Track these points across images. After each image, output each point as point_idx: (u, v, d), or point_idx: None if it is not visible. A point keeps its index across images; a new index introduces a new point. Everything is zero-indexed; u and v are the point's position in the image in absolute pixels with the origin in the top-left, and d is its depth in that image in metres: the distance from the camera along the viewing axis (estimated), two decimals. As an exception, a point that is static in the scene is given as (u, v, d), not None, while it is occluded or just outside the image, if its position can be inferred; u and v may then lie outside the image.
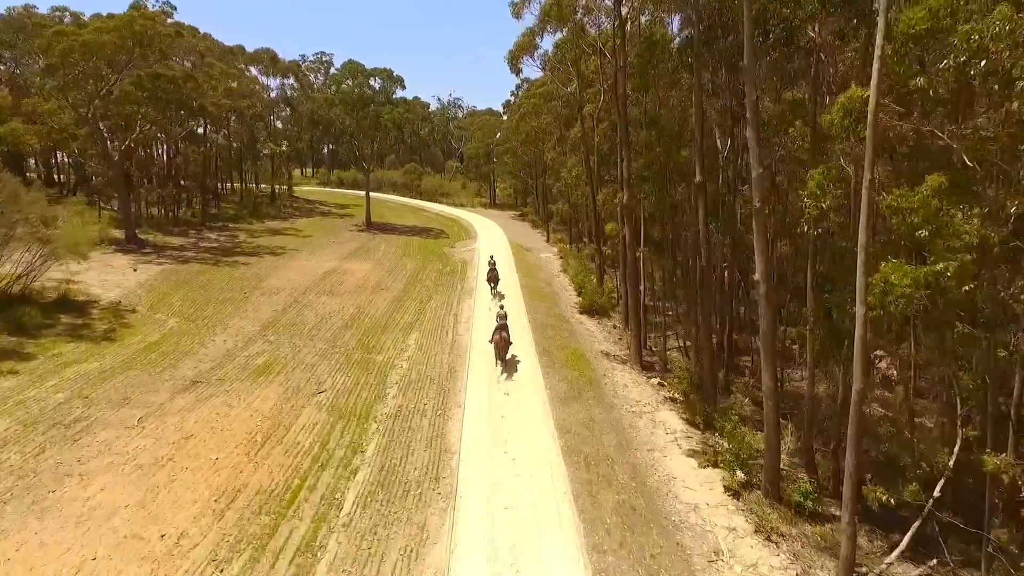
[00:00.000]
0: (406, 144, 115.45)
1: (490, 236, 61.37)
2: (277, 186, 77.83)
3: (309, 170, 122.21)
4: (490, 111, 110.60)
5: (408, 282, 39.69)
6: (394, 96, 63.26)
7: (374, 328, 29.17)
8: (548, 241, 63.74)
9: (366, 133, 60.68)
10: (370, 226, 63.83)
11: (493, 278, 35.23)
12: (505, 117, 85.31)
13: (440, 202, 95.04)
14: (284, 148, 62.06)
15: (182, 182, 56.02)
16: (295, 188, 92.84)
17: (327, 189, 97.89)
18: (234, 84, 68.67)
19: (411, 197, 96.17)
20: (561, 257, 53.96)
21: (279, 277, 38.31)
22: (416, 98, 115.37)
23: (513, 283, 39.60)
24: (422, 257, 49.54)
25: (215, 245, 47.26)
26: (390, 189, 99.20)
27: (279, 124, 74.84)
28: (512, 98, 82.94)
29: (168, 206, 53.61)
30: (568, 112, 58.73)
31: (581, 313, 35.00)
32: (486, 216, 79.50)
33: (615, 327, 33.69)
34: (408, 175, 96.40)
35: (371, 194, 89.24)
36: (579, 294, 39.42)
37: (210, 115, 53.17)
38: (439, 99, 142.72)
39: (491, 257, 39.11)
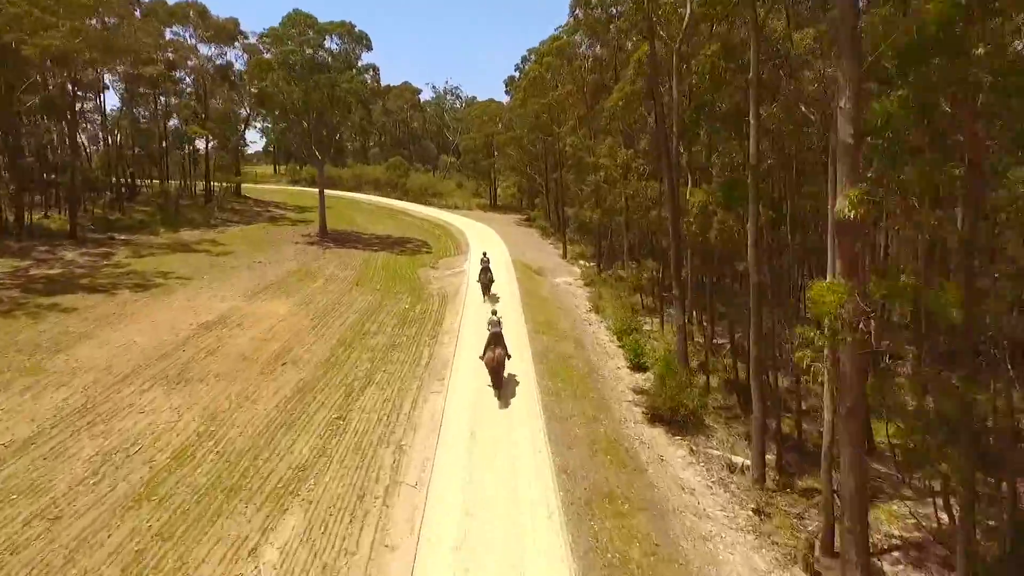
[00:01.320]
0: (391, 134, 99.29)
1: (487, 250, 45.12)
2: (218, 184, 61.65)
3: (282, 167, 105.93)
4: (491, 101, 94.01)
5: (341, 344, 23.44)
6: (359, 62, 47.07)
7: (200, 500, 12.87)
8: (565, 258, 47.46)
9: (316, 109, 44.43)
10: (324, 236, 47.64)
11: (486, 282, 30.01)
12: (508, 99, 68.95)
13: (430, 204, 78.68)
14: (202, 131, 46.06)
15: (55, 176, 39.73)
16: (253, 187, 76.88)
17: (295, 188, 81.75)
18: (171, 54, 52.78)
19: (396, 198, 79.93)
20: (587, 285, 37.72)
21: (105, 339, 22.07)
22: (406, 83, 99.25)
23: (519, 335, 23.71)
24: (383, 288, 33.31)
25: (55, 272, 31.13)
26: (371, 188, 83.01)
27: (219, 104, 58.57)
28: (517, 73, 66.71)
29: (19, 208, 37.38)
30: (597, 79, 42.68)
31: (651, 421, 18.54)
32: (484, 221, 63.34)
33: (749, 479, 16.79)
34: (391, 171, 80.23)
35: (343, 195, 73.75)
36: (634, 366, 23.22)
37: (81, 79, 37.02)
38: (434, 87, 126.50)
39: (483, 255, 32.26)
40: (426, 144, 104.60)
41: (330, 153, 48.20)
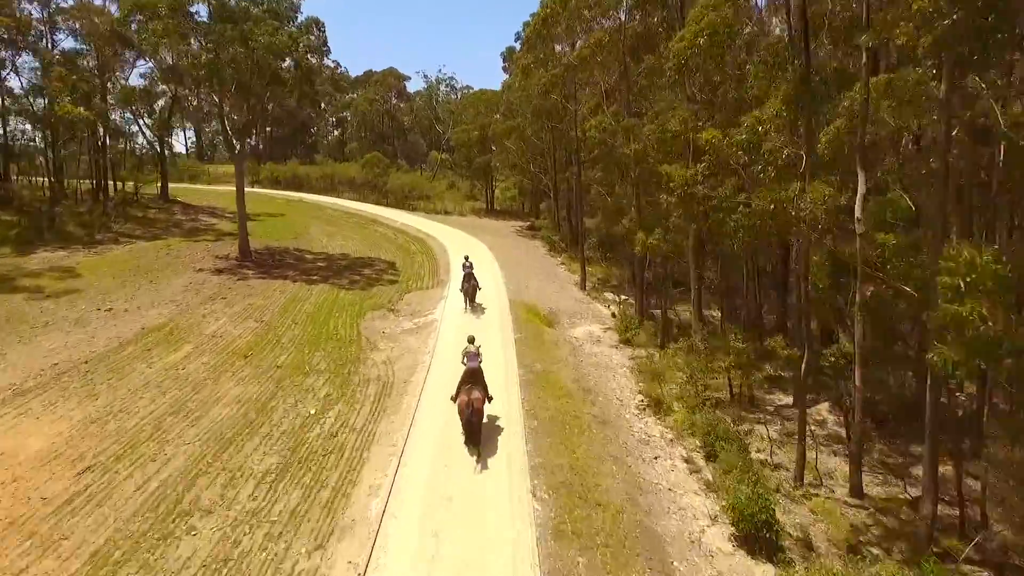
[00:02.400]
0: (373, 127, 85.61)
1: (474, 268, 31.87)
2: (131, 184, 48.00)
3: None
4: (486, 90, 79.71)
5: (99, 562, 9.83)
6: (296, 17, 33.35)
7: None
8: (584, 288, 33.85)
9: (233, 78, 30.67)
10: (247, 258, 34.10)
11: (469, 290, 25.09)
12: (506, 78, 54.97)
13: (415, 209, 65.21)
14: (76, 111, 32.67)
15: None
16: (195, 188, 63.43)
17: (252, 190, 68.02)
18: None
19: (374, 201, 66.37)
20: (626, 341, 24.23)
21: None
22: (391, 69, 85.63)
23: (522, 527, 10.15)
24: (290, 362, 19.86)
25: None
26: (348, 189, 69.36)
27: (142, 82, 45.18)
28: (517, 44, 53.12)
29: None
30: (640, 29, 28.89)
31: None
32: (477, 232, 49.80)
33: None
34: (368, 169, 66.58)
35: (308, 198, 60.71)
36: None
37: None
38: (425, 76, 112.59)
39: (465, 260, 27.10)
40: (414, 139, 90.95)
41: (252, 141, 34.43)
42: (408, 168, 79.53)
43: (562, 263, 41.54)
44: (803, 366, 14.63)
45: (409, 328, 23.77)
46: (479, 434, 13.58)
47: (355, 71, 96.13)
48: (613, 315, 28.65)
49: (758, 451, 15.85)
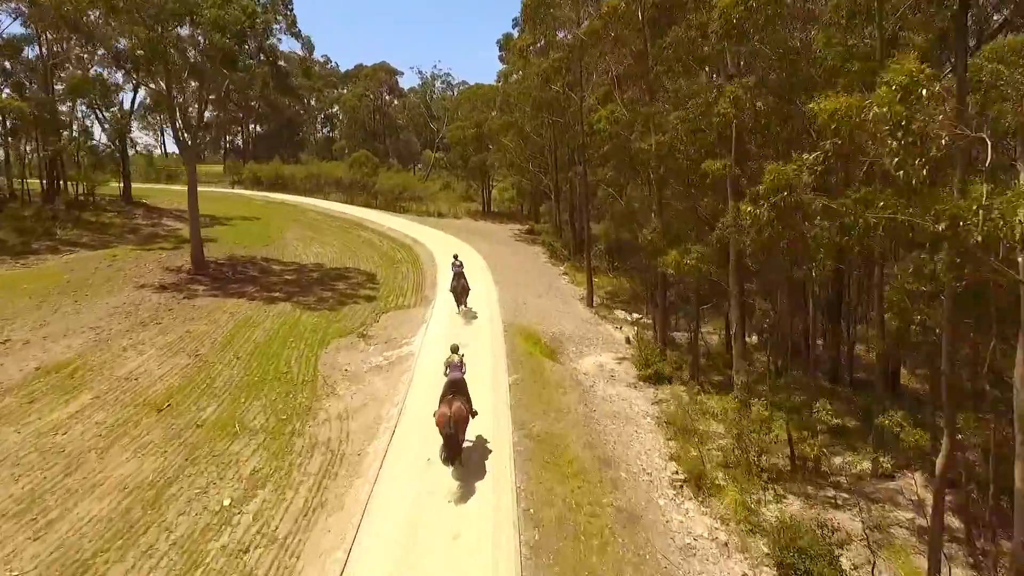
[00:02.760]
0: (362, 124, 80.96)
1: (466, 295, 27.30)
2: (85, 184, 43.31)
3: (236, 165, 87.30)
4: (482, 85, 74.85)
5: None
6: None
7: None
8: (591, 306, 29.30)
9: (163, 58, 25.92)
10: (201, 271, 29.49)
11: (460, 291, 23.49)
12: (503, 68, 50.17)
13: (406, 211, 60.71)
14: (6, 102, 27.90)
15: None
16: (167, 188, 58.95)
17: (231, 191, 63.36)
18: None
19: (362, 204, 61.79)
20: (648, 378, 19.66)
21: None
22: (382, 63, 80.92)
23: None
24: (217, 417, 15.22)
25: None
26: (335, 190, 64.67)
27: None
28: (515, 31, 48.49)
29: None
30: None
31: None
32: (471, 237, 45.21)
33: None
34: (355, 169, 61.90)
35: (290, 200, 56.47)
36: None
37: None
38: (420, 71, 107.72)
39: (455, 260, 25.25)
40: (407, 137, 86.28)
41: (204, 138, 29.76)
42: (400, 168, 74.98)
43: (564, 273, 36.96)
44: (941, 460, 10.04)
45: (379, 364, 19.16)
46: (460, 449, 12.34)
47: (348, 67, 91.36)
48: (628, 341, 24.08)
49: (853, 568, 11.20)
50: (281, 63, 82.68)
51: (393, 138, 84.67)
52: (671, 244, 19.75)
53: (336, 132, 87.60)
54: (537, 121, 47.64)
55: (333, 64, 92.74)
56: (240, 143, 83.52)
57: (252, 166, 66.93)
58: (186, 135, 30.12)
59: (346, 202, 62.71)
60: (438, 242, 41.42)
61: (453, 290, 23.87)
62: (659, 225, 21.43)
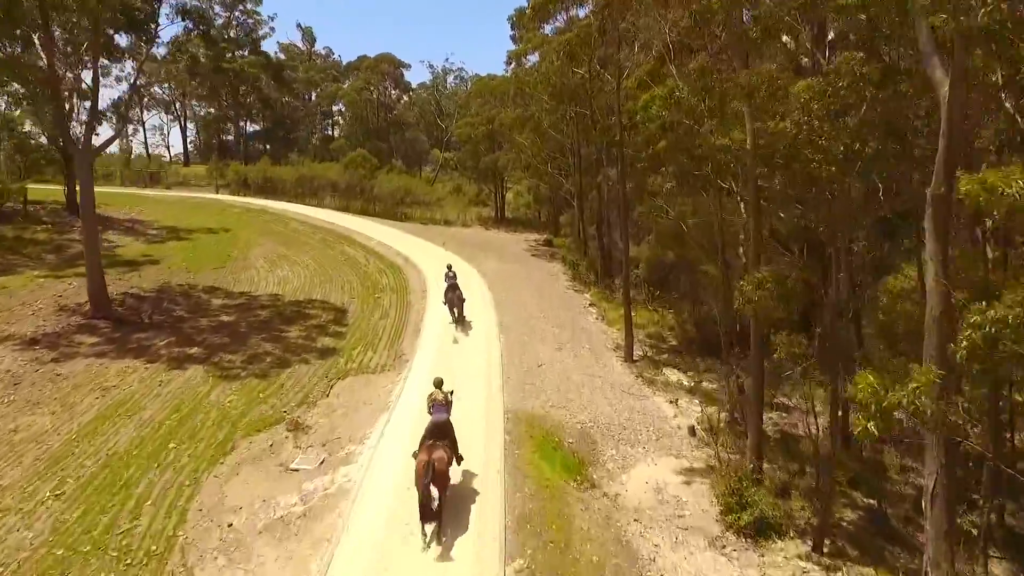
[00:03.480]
0: (365, 121, 73.55)
1: (455, 358, 19.57)
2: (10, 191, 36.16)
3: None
4: (493, 76, 66.59)
5: None
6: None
7: None
8: (629, 360, 21.32)
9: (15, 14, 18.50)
10: (100, 311, 21.91)
11: (455, 302, 22.58)
12: (516, 48, 41.96)
13: (408, 218, 53.38)
14: None
15: None
16: (137, 194, 52.20)
17: (210, 197, 56.15)
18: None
19: (360, 212, 54.49)
20: (746, 529, 11.64)
21: None
22: (385, 54, 73.44)
23: None
24: None
25: None
26: (329, 193, 57.18)
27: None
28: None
29: None
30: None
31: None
32: (478, 251, 37.59)
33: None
34: (351, 171, 54.43)
35: (273, 206, 50.21)
36: None
37: None
38: (431, 65, 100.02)
39: (448, 270, 24.45)
40: (414, 136, 78.69)
41: (92, 129, 22.14)
42: (404, 169, 67.47)
43: (591, 304, 29.04)
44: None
45: (290, 512, 11.40)
46: (440, 510, 10.40)
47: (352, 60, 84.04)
48: (692, 432, 16.11)
49: None
50: (277, 54, 75.96)
51: (398, 136, 77.19)
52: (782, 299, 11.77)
53: (337, 130, 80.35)
54: (557, 115, 39.80)
55: (336, 57, 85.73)
56: (229, 140, 76.65)
57: (238, 168, 59.76)
58: (76, 124, 22.59)
59: (341, 209, 55.39)
60: (436, 261, 33.68)
61: (448, 302, 22.81)
62: (751, 253, 13.38)
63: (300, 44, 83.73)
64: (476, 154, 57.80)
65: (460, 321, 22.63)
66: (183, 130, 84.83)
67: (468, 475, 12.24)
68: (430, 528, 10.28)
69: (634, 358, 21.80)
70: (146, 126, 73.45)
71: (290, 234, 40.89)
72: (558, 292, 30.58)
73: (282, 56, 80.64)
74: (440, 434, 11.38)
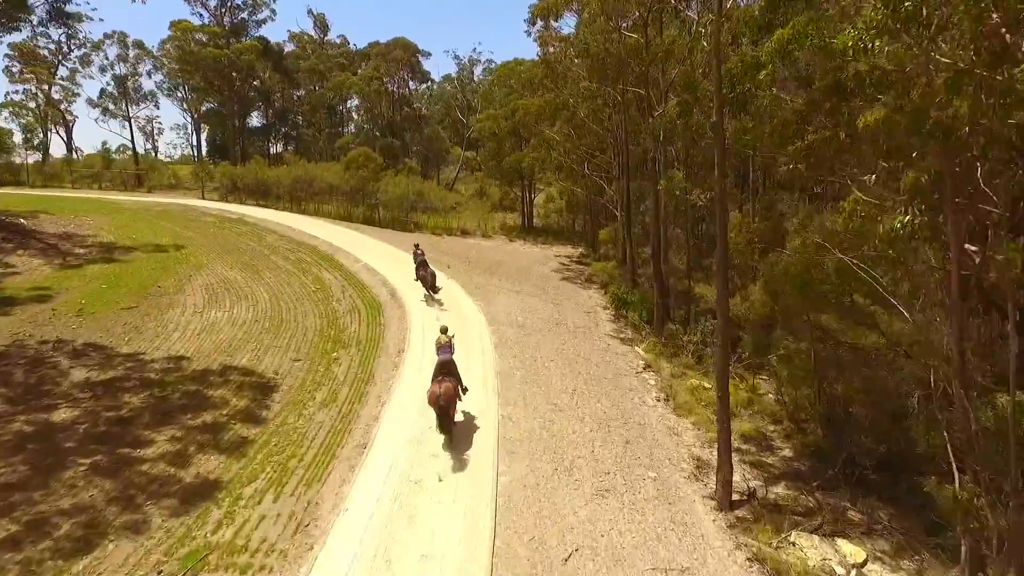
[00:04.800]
0: (378, 116, 65.21)
1: (411, 539, 10.40)
2: None
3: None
4: (519, 61, 56.89)
5: None
6: None
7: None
8: (727, 507, 11.91)
9: None
10: None
11: (428, 278, 23.05)
12: (539, 3, 32.28)
13: (419, 228, 44.95)
14: None
15: None
16: (92, 199, 44.97)
17: (185, 202, 48.24)
18: None
19: (362, 220, 46.17)
20: None
21: None
22: (398, 39, 64.88)
23: None
24: None
25: None
26: (330, 198, 48.88)
27: None
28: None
29: None
30: None
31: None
32: (492, 276, 28.80)
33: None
34: (352, 172, 46.01)
35: (253, 214, 47.84)
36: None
37: None
38: (457, 56, 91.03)
39: (416, 247, 25.34)
40: (433, 132, 70.00)
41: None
42: (418, 169, 58.80)
43: (645, 368, 20.05)
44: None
45: None
46: (452, 423, 13.35)
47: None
48: None
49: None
50: (285, 43, 68.32)
51: (415, 133, 68.66)
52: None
53: (352, 126, 72.31)
54: (597, 101, 30.68)
55: (352, 46, 77.73)
56: (217, 139, 69.22)
57: (227, 169, 51.87)
58: None
59: (341, 217, 47.09)
60: (437, 294, 24.77)
61: (420, 280, 23.16)
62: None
63: (312, 32, 76.05)
64: (499, 152, 48.95)
65: (433, 295, 22.81)
66: (196, 128, 78.36)
67: None
68: (445, 438, 12.86)
69: (732, 501, 12.49)
70: (132, 122, 66.30)
71: (259, 253, 32.51)
72: (598, 348, 21.34)
73: (292, 46, 73.24)
74: (446, 371, 13.64)
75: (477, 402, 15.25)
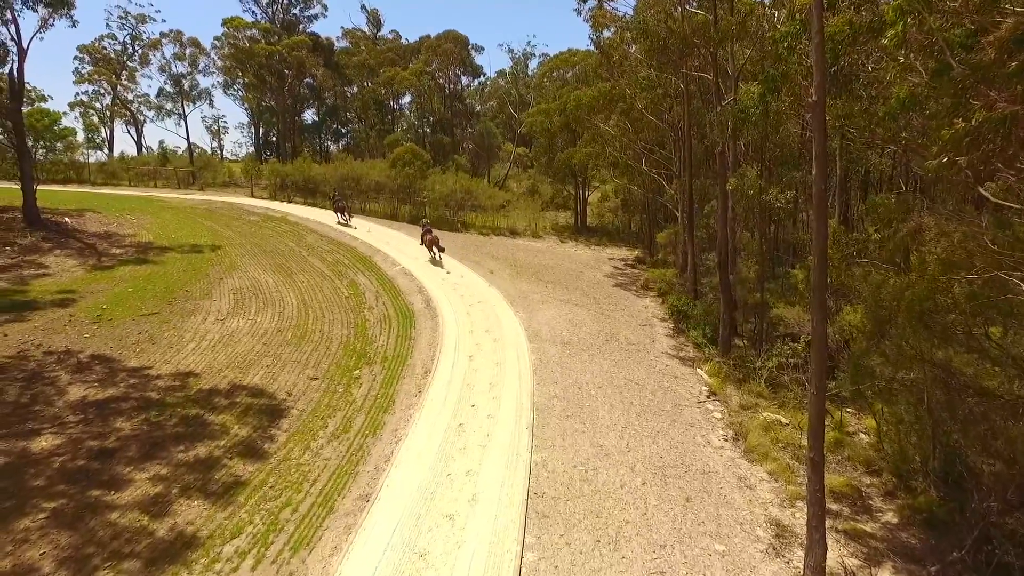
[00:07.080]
0: (429, 112, 63.74)
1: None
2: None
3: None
4: (573, 52, 53.70)
5: None
6: None
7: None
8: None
9: None
10: None
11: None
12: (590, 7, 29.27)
13: (467, 227, 43.06)
14: None
15: None
16: (142, 196, 45.01)
17: (230, 200, 47.91)
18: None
19: (408, 220, 44.52)
20: None
21: None
22: (450, 31, 63.13)
23: None
24: None
25: None
26: (372, 195, 47.52)
27: None
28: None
29: None
30: None
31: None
32: (538, 281, 26.43)
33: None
34: (397, 169, 44.48)
35: (297, 213, 46.93)
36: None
37: None
38: (510, 49, 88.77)
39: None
40: (485, 128, 67.96)
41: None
42: (467, 167, 56.88)
43: (710, 395, 17.25)
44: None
45: None
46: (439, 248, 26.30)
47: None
48: None
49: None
50: (339, 39, 67.80)
51: (466, 129, 66.83)
52: None
53: (404, 123, 71.17)
54: (656, 91, 27.75)
55: (405, 41, 76.60)
56: (273, 137, 69.30)
57: (276, 166, 51.35)
58: None
59: (387, 216, 45.64)
60: (472, 304, 22.59)
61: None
62: None
63: (365, 28, 75.36)
64: (551, 148, 46.37)
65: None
66: (255, 126, 79.24)
67: None
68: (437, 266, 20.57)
69: (829, 593, 9.66)
70: (188, 120, 67.07)
71: (296, 254, 31.15)
72: (654, 370, 18.60)
73: (345, 43, 72.72)
74: (430, 231, 26.23)
75: (506, 442, 12.89)
